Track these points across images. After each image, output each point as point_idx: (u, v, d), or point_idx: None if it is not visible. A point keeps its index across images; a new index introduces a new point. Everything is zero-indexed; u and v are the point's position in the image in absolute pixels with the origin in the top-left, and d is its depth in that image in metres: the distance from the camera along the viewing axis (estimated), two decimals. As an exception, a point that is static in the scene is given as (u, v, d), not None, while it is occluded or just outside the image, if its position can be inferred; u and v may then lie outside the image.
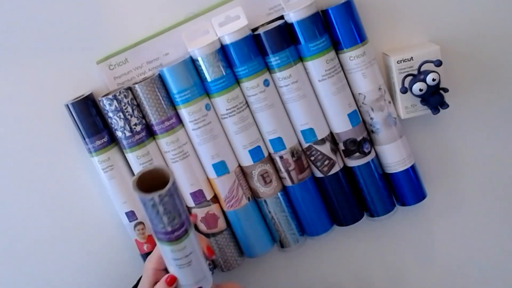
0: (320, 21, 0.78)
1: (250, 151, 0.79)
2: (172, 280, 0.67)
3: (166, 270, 0.69)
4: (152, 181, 0.60)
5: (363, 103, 0.80)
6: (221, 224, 0.81)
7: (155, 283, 0.68)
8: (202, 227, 0.81)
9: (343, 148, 0.82)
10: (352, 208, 0.84)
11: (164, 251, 0.65)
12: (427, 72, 0.78)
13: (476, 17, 0.83)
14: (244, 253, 0.84)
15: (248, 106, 0.79)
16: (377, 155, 0.83)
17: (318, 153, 0.81)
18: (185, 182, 0.79)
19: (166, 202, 0.59)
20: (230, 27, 0.76)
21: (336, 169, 0.82)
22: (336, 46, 0.79)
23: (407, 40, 0.83)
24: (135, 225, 0.80)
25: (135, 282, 0.75)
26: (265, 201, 0.82)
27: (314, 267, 0.89)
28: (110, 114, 0.76)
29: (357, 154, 0.81)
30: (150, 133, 0.78)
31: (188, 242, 0.64)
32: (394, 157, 0.82)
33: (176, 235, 0.62)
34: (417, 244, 0.91)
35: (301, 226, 0.84)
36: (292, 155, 0.80)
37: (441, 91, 0.80)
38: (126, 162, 0.79)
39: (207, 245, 0.72)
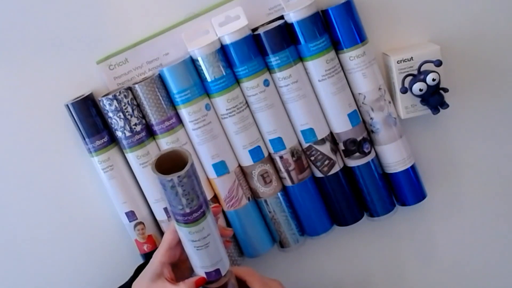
0: (320, 21, 0.78)
1: (250, 151, 0.79)
2: (201, 282, 0.68)
3: (173, 264, 0.70)
4: (171, 163, 0.61)
5: (363, 103, 0.80)
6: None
7: (161, 274, 0.69)
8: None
9: (343, 148, 0.82)
10: (352, 208, 0.84)
11: (182, 233, 0.66)
12: (427, 72, 0.78)
13: (476, 17, 0.83)
14: (244, 253, 0.84)
15: (248, 106, 0.79)
16: (377, 155, 0.83)
17: (318, 153, 0.81)
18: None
19: (185, 183, 0.60)
20: (230, 27, 0.76)
21: (336, 169, 0.82)
22: (336, 46, 0.79)
23: (407, 40, 0.83)
24: (135, 225, 0.80)
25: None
26: (265, 201, 0.82)
27: (314, 267, 0.89)
28: (110, 114, 0.76)
29: (357, 154, 0.81)
30: (150, 133, 0.78)
31: (205, 224, 0.64)
32: (394, 157, 0.82)
33: (195, 216, 0.63)
34: (417, 244, 0.91)
35: (301, 226, 0.84)
36: (292, 155, 0.80)
37: (441, 91, 0.80)
38: (126, 162, 0.79)
39: (222, 226, 0.73)
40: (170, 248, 0.69)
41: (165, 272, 0.69)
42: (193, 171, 0.61)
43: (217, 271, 0.68)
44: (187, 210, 0.62)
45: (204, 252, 0.66)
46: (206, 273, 0.68)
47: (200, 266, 0.68)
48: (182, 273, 0.72)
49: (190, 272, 0.71)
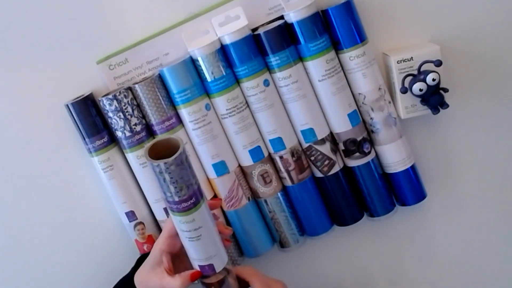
0: (320, 21, 0.77)
1: (250, 151, 0.79)
2: (196, 276, 0.68)
3: (174, 255, 0.70)
4: (167, 152, 0.62)
5: (363, 103, 0.80)
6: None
7: (160, 263, 0.69)
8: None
9: (343, 148, 0.82)
10: (352, 208, 0.84)
11: (175, 221, 0.66)
12: (427, 72, 0.78)
13: (476, 17, 0.83)
14: (244, 253, 0.84)
15: (248, 106, 0.79)
16: (377, 155, 0.83)
17: (318, 153, 0.81)
18: (185, 182, 0.79)
19: (173, 171, 0.60)
20: (230, 27, 0.76)
21: (336, 169, 0.82)
22: (336, 46, 0.79)
23: (407, 40, 0.83)
24: (135, 225, 0.80)
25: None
26: (265, 201, 0.82)
27: (314, 267, 0.89)
28: (110, 114, 0.76)
29: (357, 154, 0.81)
30: (150, 133, 0.78)
31: (197, 216, 0.64)
32: (394, 157, 0.82)
33: (184, 206, 0.63)
34: (417, 244, 0.91)
35: (301, 226, 0.84)
36: (292, 155, 0.80)
37: (441, 91, 0.80)
38: (126, 162, 0.79)
39: (222, 224, 0.73)
40: (170, 236, 0.69)
41: (164, 261, 0.68)
42: (182, 160, 0.61)
43: (211, 266, 0.68)
44: (176, 199, 0.62)
45: (196, 244, 0.66)
46: (199, 266, 0.68)
47: (194, 258, 0.68)
48: (184, 266, 0.71)
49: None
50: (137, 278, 0.71)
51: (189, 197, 0.63)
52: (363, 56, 0.78)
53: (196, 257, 0.68)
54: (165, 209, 0.78)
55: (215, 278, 0.69)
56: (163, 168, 0.60)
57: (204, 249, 0.67)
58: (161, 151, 0.62)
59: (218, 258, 0.68)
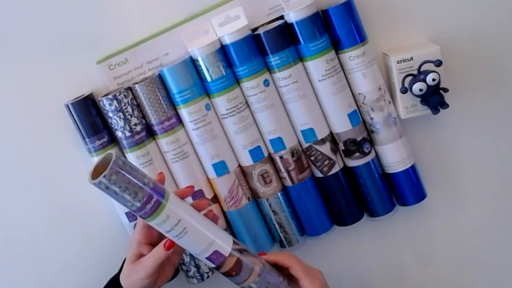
0: (320, 21, 0.77)
1: (250, 151, 0.79)
2: (170, 245, 0.66)
3: (150, 244, 0.69)
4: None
5: (363, 103, 0.80)
6: (221, 224, 0.81)
7: (139, 255, 0.68)
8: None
9: (343, 148, 0.82)
10: (352, 208, 0.84)
11: (155, 226, 0.64)
12: (427, 72, 0.78)
13: (476, 17, 0.83)
14: (244, 253, 0.84)
15: (248, 106, 0.79)
16: (377, 155, 0.83)
17: (318, 153, 0.81)
18: (185, 182, 0.79)
19: (117, 180, 0.59)
20: (230, 27, 0.76)
21: (336, 169, 0.82)
22: (336, 46, 0.79)
23: (407, 40, 0.83)
24: (135, 225, 0.80)
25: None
26: (265, 201, 0.82)
27: (314, 267, 0.89)
28: (110, 114, 0.76)
29: (357, 154, 0.81)
30: (150, 133, 0.78)
31: (169, 212, 0.63)
32: (394, 157, 0.82)
33: (150, 208, 0.62)
34: (417, 244, 0.91)
35: (301, 226, 0.84)
36: (292, 155, 0.80)
37: (441, 91, 0.80)
38: (126, 162, 0.79)
39: (196, 201, 0.69)
40: (145, 226, 0.68)
41: (144, 252, 0.67)
42: (120, 167, 0.60)
43: (217, 253, 0.66)
44: (138, 205, 0.61)
45: (188, 239, 0.65)
46: (206, 258, 0.66)
47: (196, 253, 0.66)
48: (168, 258, 0.69)
49: (176, 256, 0.70)
50: (122, 275, 0.70)
51: (149, 198, 0.62)
52: (363, 56, 0.78)
53: (197, 251, 0.66)
54: None
55: (230, 263, 0.66)
56: (105, 182, 0.59)
57: (199, 239, 0.65)
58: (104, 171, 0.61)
59: (219, 242, 0.66)
